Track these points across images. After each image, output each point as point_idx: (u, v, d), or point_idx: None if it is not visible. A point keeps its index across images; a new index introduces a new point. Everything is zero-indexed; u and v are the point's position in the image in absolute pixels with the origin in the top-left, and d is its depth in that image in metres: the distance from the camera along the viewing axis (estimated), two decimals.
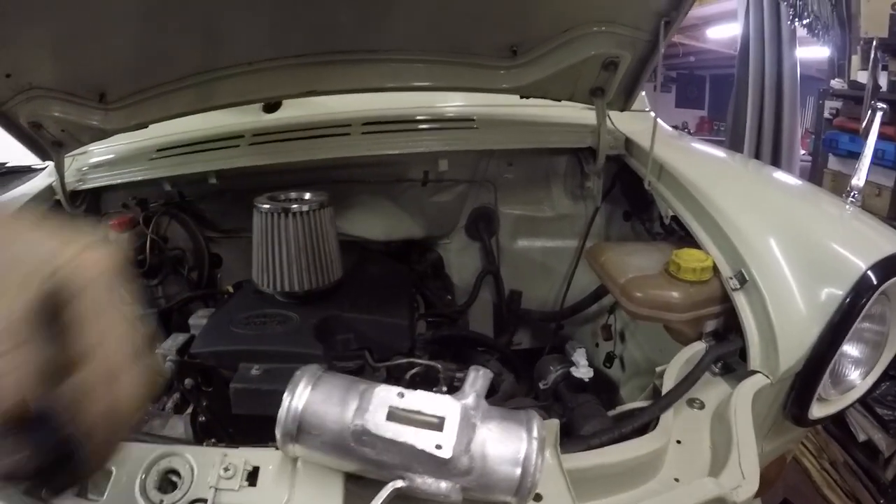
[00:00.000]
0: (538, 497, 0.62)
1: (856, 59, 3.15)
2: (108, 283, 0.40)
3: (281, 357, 0.96)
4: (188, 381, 1.05)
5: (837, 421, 2.19)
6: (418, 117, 1.41)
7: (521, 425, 0.54)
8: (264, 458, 0.63)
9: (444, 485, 0.51)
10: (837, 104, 3.30)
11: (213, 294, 1.41)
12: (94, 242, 0.40)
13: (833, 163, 3.32)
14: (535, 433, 0.54)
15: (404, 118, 1.39)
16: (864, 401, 2.04)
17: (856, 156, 2.71)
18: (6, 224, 0.40)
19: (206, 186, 1.38)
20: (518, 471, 0.52)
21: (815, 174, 3.45)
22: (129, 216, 1.35)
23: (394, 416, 0.52)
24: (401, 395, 0.53)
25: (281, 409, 0.55)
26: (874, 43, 2.74)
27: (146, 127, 1.30)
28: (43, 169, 1.57)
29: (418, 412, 0.53)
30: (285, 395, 0.56)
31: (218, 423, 1.01)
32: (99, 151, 1.50)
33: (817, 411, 0.92)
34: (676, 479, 0.76)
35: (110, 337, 0.39)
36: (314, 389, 0.55)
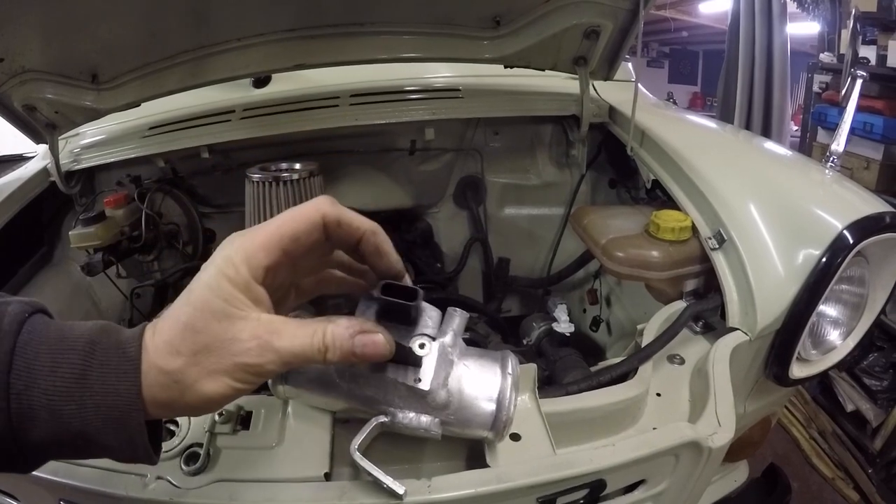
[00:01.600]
0: (517, 437, 0.66)
1: (845, 34, 3.14)
2: None
3: None
4: None
5: (826, 391, 2.24)
6: (405, 88, 1.43)
7: (496, 362, 0.58)
8: (257, 403, 0.67)
9: (424, 419, 0.54)
10: (826, 78, 3.29)
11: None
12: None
13: (822, 136, 3.33)
14: (509, 369, 0.57)
15: (391, 89, 1.41)
16: (852, 371, 2.11)
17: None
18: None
19: (199, 162, 1.41)
20: (493, 406, 0.56)
21: (804, 148, 3.46)
22: (123, 193, 1.37)
23: None
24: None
25: None
26: (853, 13, 2.75)
27: (139, 105, 1.31)
28: (35, 155, 1.60)
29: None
30: None
31: None
32: (91, 132, 1.52)
33: (798, 371, 0.95)
34: (654, 429, 0.78)
35: None
36: None
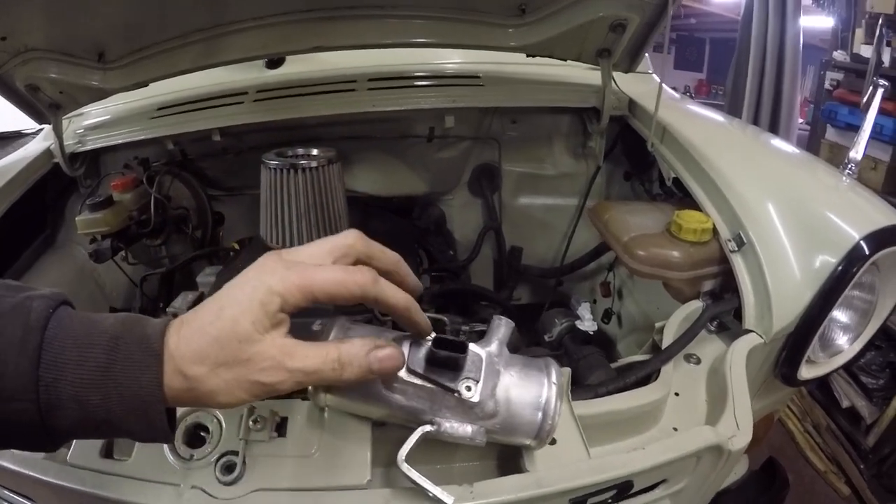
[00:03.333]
0: (553, 441, 0.66)
1: (860, 32, 3.12)
2: None
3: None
4: None
5: (822, 387, 2.27)
6: (424, 74, 1.41)
7: (541, 371, 0.58)
8: (292, 408, 0.66)
9: (469, 428, 0.54)
10: (838, 76, 3.29)
11: (218, 252, 1.42)
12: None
13: (831, 134, 3.33)
14: (554, 378, 0.57)
15: (410, 74, 1.39)
16: (849, 368, 2.14)
17: (854, 128, 2.73)
18: (212, 301, 0.48)
19: (209, 144, 1.38)
20: (539, 414, 0.56)
21: (812, 144, 3.47)
22: (131, 176, 1.35)
23: None
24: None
25: None
26: (880, 20, 2.72)
27: (147, 85, 1.28)
28: (35, 132, 1.56)
29: None
30: None
31: None
32: (95, 112, 1.48)
33: (806, 372, 0.96)
34: (675, 429, 0.81)
35: None
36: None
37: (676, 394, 0.86)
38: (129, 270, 1.41)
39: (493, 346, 0.56)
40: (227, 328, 0.45)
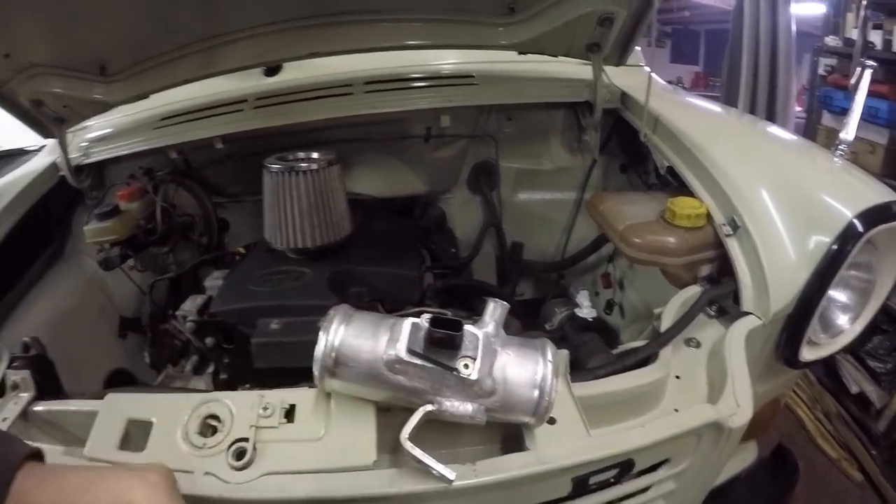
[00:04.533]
0: (552, 421, 0.68)
1: (851, 17, 3.13)
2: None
3: (298, 310, 1.00)
4: (209, 340, 1.10)
5: (831, 373, 2.27)
6: (419, 75, 1.43)
7: (536, 350, 0.60)
8: (299, 396, 0.67)
9: (470, 406, 0.56)
10: (832, 61, 3.29)
11: (224, 257, 1.45)
12: (151, 468, 0.52)
13: (827, 119, 3.33)
14: (549, 357, 0.59)
15: (405, 76, 1.42)
16: (857, 354, 2.14)
17: None
18: (84, 472, 0.50)
19: (212, 152, 1.41)
20: (536, 392, 0.58)
21: (809, 130, 3.47)
22: (137, 186, 1.38)
23: None
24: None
25: (318, 346, 0.60)
26: (863, 1, 2.74)
27: (148, 97, 1.31)
28: (37, 150, 1.59)
29: None
30: (321, 333, 0.60)
31: (239, 379, 1.06)
32: (99, 125, 1.51)
33: (808, 354, 0.97)
34: (676, 410, 0.82)
35: None
36: (348, 326, 0.60)
37: (677, 377, 0.87)
38: (137, 279, 1.44)
39: (490, 328, 0.58)
40: None
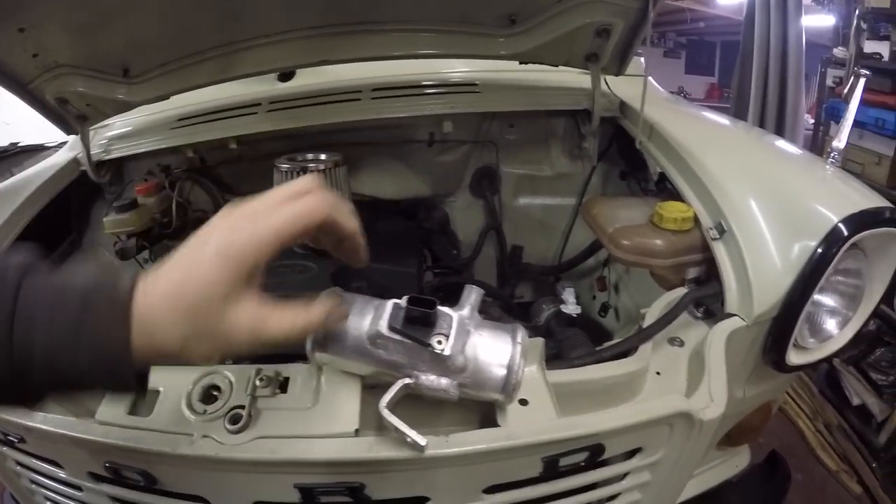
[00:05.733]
0: (525, 402, 0.72)
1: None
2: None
3: None
4: None
5: (833, 384, 2.27)
6: (424, 83, 1.49)
7: (507, 333, 0.65)
8: (293, 370, 0.74)
9: (444, 381, 0.62)
10: (841, 73, 3.28)
11: None
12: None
13: (835, 131, 3.32)
14: (518, 339, 0.64)
15: (411, 84, 1.48)
16: (859, 366, 2.14)
17: (859, 125, 2.72)
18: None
19: (226, 152, 1.48)
20: (504, 371, 0.63)
21: (816, 142, 3.45)
22: (155, 182, 1.45)
23: None
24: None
25: None
26: (856, 11, 2.75)
27: (168, 98, 1.38)
28: (57, 145, 1.66)
29: None
30: None
31: (241, 363, 1.12)
32: (120, 124, 1.59)
33: (796, 358, 0.98)
34: None
35: None
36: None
37: (658, 373, 0.89)
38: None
39: (465, 311, 0.64)
40: (197, 294, 0.45)
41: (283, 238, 0.49)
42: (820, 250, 0.90)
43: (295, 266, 1.18)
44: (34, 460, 0.85)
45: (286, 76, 1.58)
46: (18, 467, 0.89)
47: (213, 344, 0.47)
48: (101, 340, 0.44)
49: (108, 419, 0.70)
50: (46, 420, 0.73)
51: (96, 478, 0.79)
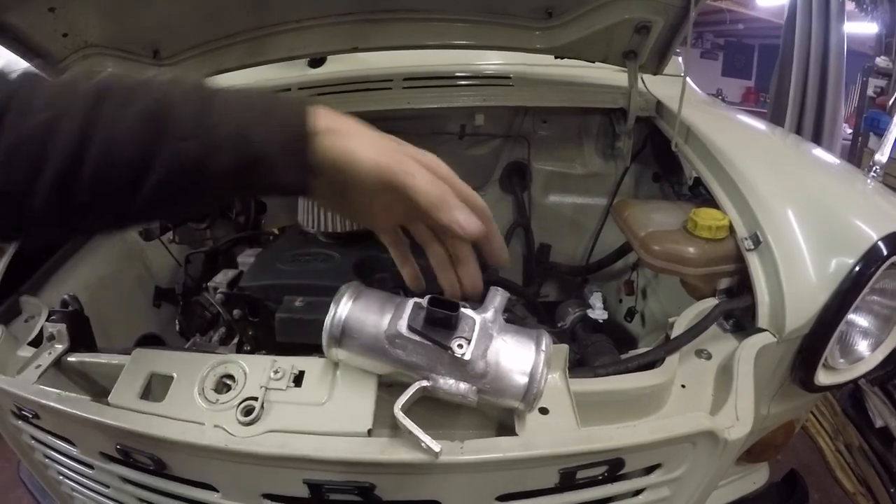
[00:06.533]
0: (545, 410, 0.70)
1: None
2: None
3: (323, 291, 1.03)
4: (236, 312, 1.15)
5: (857, 404, 2.19)
6: (457, 73, 1.47)
7: (531, 339, 0.62)
8: (309, 364, 0.72)
9: (462, 386, 0.59)
10: (882, 82, 3.18)
11: (259, 236, 1.51)
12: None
13: (874, 142, 3.20)
14: (542, 346, 0.61)
15: (443, 74, 1.45)
16: (885, 387, 2.07)
17: None
18: None
19: None
20: (526, 378, 0.60)
21: (854, 153, 3.35)
22: None
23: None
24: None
25: (327, 317, 0.63)
26: None
27: None
28: None
29: None
30: (331, 305, 0.64)
31: (262, 352, 1.10)
32: None
33: (824, 378, 0.95)
34: None
35: None
36: (356, 301, 0.64)
37: (683, 386, 0.86)
38: (175, 251, 1.51)
39: (489, 314, 0.61)
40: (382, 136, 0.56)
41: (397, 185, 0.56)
42: (858, 268, 0.86)
43: (318, 255, 1.16)
44: (48, 436, 0.85)
45: (317, 62, 1.57)
46: (33, 441, 0.90)
47: (390, 150, 0.57)
48: (292, 119, 0.50)
49: (121, 403, 0.70)
50: (60, 399, 0.73)
51: (108, 458, 0.79)
